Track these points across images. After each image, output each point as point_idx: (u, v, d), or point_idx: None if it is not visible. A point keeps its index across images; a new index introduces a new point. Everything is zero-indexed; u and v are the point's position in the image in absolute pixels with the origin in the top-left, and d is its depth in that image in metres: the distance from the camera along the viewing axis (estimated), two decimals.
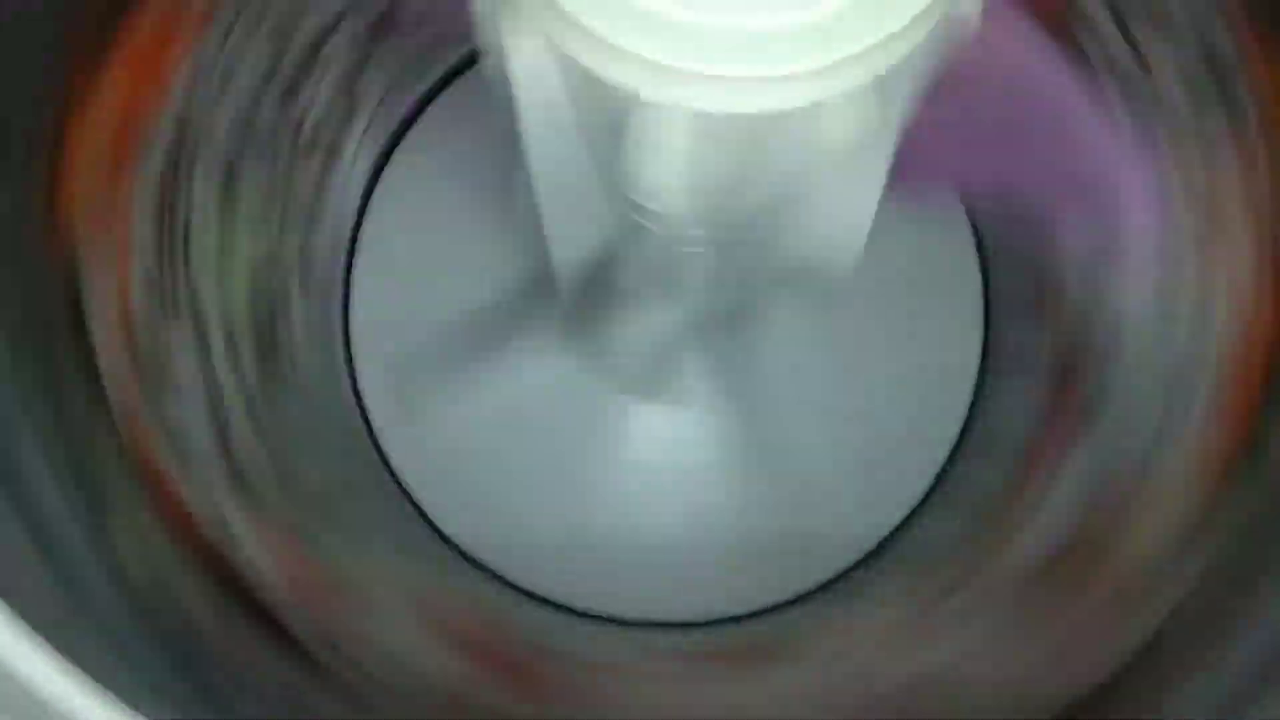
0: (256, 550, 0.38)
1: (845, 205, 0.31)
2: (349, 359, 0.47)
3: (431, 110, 0.47)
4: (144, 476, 0.36)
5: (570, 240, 0.34)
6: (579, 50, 0.22)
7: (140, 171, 0.37)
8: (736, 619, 0.46)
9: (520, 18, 0.23)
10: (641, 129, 0.24)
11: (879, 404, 0.47)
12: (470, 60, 0.46)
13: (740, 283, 0.38)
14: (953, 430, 0.47)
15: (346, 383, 0.46)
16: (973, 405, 0.47)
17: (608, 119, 0.25)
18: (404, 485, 0.46)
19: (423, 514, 0.46)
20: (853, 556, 0.46)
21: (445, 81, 0.47)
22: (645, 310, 0.41)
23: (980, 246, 0.48)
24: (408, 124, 0.47)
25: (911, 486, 0.47)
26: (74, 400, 0.34)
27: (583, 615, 0.46)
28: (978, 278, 0.48)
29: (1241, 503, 0.36)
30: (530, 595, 0.46)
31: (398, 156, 0.47)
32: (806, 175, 0.28)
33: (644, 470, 0.47)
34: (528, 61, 0.24)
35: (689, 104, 0.22)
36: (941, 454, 0.47)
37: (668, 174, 0.26)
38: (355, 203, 0.46)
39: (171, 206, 0.38)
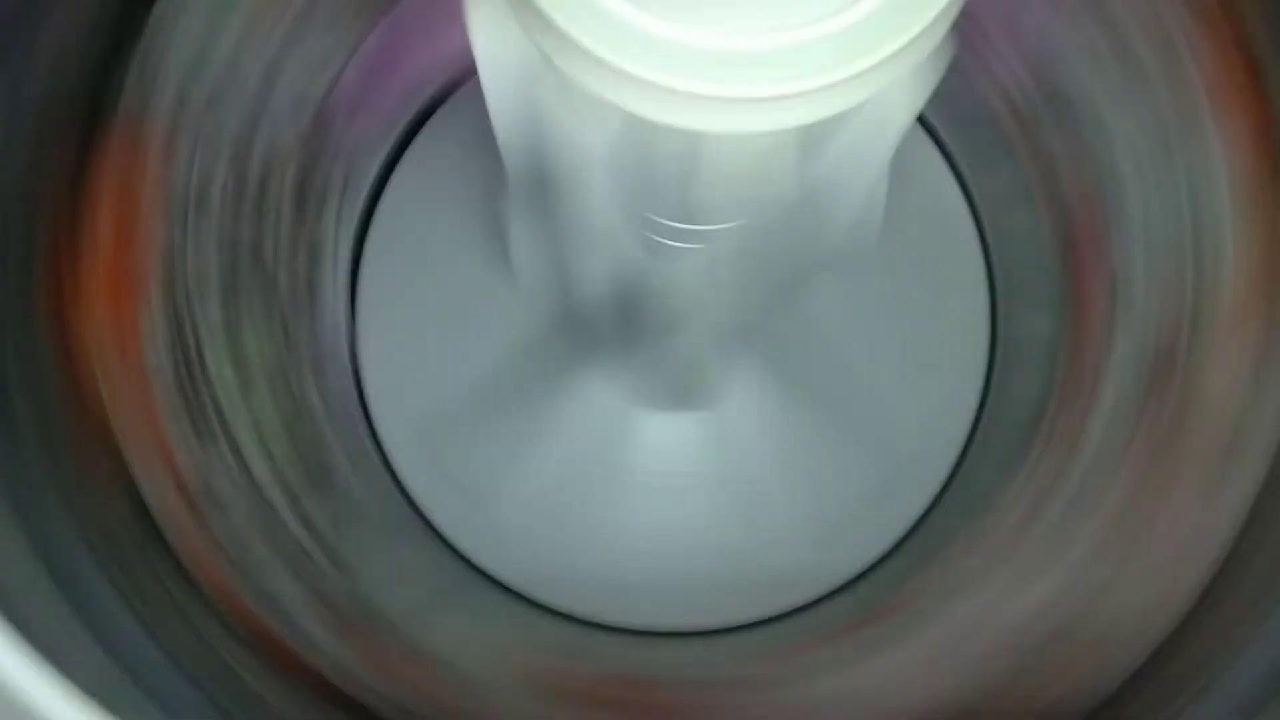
0: (330, 643, 0.39)
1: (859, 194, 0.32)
2: (368, 419, 0.48)
3: (398, 173, 0.48)
4: (205, 588, 0.37)
5: (578, 259, 0.34)
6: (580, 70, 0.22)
7: (142, 304, 0.38)
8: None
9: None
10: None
11: (885, 410, 0.47)
12: (419, 121, 0.48)
13: (756, 284, 0.38)
14: (959, 439, 0.47)
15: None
16: (979, 412, 0.47)
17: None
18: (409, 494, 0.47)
19: (435, 530, 0.47)
20: (850, 572, 0.46)
21: (402, 145, 0.48)
22: (667, 325, 0.41)
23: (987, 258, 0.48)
24: (377, 193, 0.48)
25: (921, 492, 0.47)
26: (126, 529, 0.36)
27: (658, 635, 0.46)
28: (985, 289, 0.48)
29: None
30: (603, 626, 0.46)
31: (376, 225, 0.48)
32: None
33: (652, 478, 0.47)
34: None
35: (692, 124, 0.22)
36: (949, 460, 0.47)
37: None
38: (345, 281, 0.47)
39: (180, 333, 0.39)
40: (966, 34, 0.27)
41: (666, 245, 0.32)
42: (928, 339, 0.48)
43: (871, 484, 0.47)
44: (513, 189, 0.33)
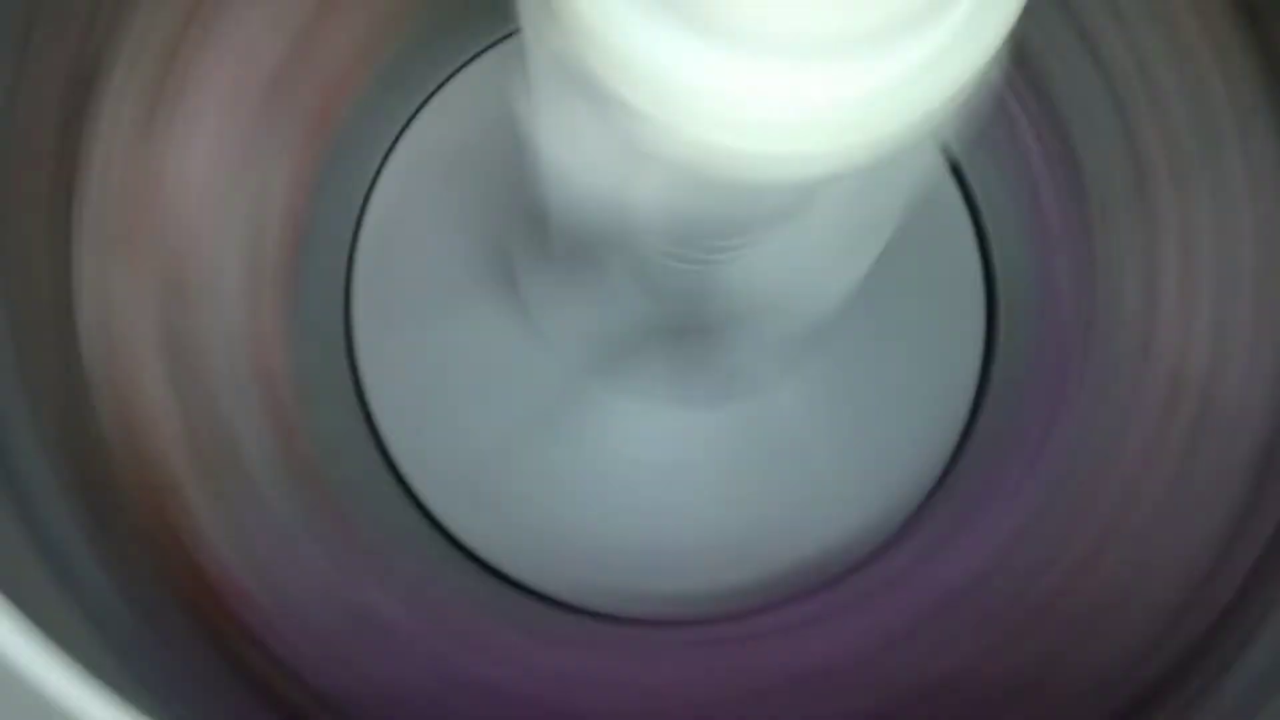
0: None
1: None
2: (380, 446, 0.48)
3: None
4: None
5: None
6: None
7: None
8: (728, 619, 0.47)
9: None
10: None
11: (881, 403, 0.48)
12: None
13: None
14: (955, 434, 0.48)
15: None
16: (974, 407, 0.48)
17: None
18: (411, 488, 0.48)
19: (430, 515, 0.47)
20: (853, 558, 0.47)
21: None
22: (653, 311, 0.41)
23: (985, 251, 0.49)
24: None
25: (914, 488, 0.48)
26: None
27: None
28: (981, 283, 0.49)
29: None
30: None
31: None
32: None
33: (646, 468, 0.48)
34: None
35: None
36: (944, 457, 0.48)
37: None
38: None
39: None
40: None
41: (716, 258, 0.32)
42: (922, 333, 0.49)
43: (875, 471, 0.48)
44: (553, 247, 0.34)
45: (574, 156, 0.27)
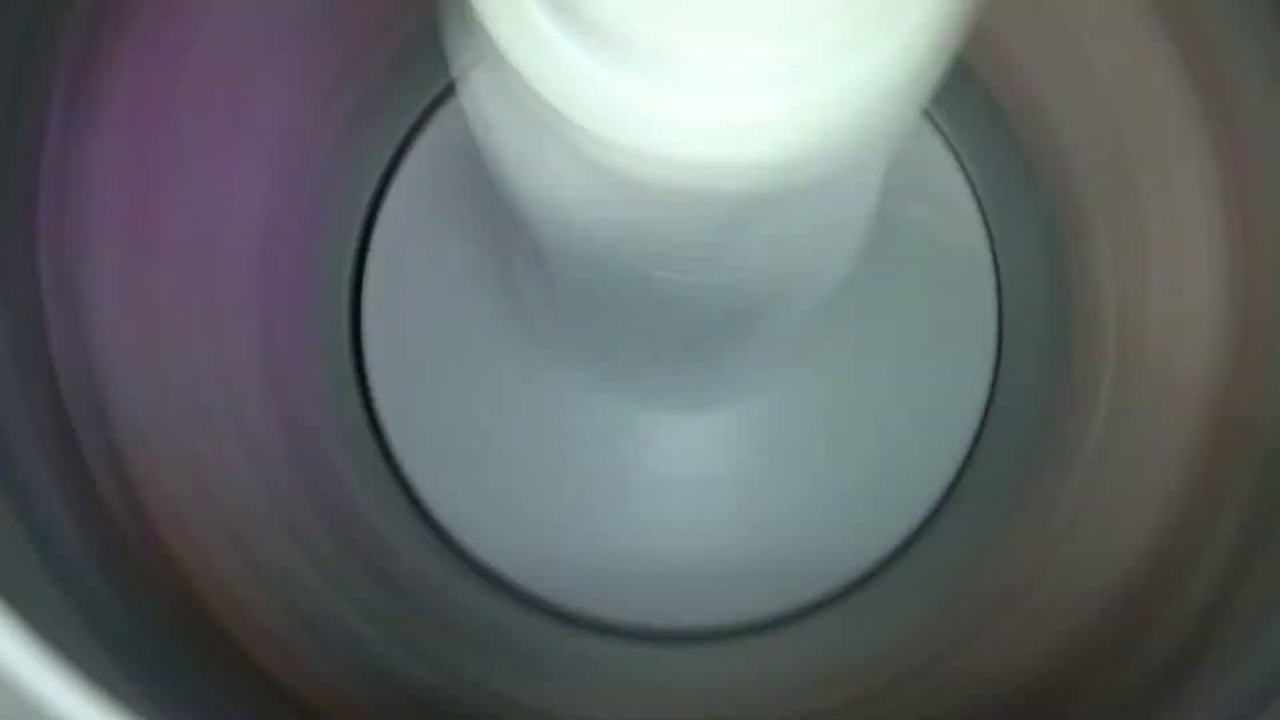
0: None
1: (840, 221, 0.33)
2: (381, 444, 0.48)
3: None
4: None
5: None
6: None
7: None
8: (750, 630, 0.47)
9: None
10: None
11: (889, 415, 0.48)
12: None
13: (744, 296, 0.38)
14: (964, 442, 0.47)
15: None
16: (984, 416, 0.48)
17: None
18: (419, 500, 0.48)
19: (433, 522, 0.47)
20: (863, 568, 0.47)
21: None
22: (648, 326, 0.41)
23: (994, 254, 0.49)
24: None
25: (922, 498, 0.47)
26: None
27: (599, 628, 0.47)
28: (992, 285, 0.48)
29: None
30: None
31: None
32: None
33: (657, 482, 0.47)
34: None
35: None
36: (953, 465, 0.47)
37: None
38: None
39: None
40: None
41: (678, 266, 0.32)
42: (933, 333, 0.48)
43: (877, 485, 0.47)
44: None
45: (530, 179, 0.28)
